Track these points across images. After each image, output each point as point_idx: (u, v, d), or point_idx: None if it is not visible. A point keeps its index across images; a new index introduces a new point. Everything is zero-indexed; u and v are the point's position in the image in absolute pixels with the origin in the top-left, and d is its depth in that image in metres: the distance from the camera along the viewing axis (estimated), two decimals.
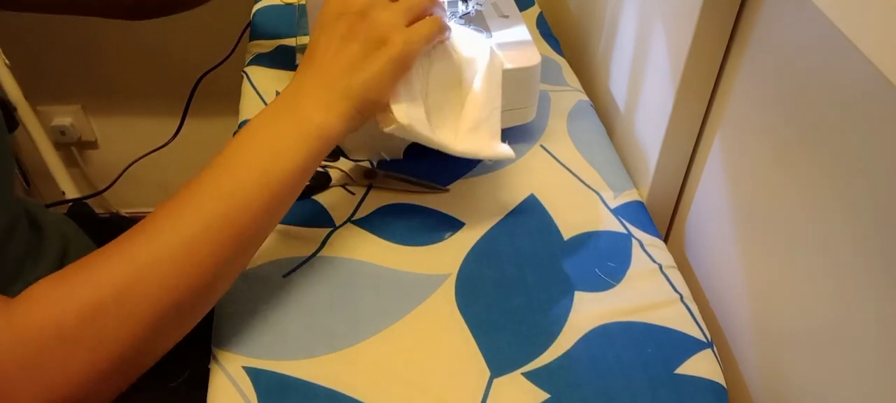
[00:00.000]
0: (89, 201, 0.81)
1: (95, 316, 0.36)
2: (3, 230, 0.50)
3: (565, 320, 0.50)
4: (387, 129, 0.49)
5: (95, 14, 0.70)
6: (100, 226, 0.70)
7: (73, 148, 1.40)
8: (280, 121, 0.44)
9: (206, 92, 0.80)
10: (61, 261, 0.58)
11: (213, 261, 0.41)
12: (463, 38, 0.54)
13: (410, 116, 0.48)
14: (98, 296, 0.37)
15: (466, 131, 0.53)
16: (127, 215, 1.52)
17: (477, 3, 0.64)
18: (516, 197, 0.60)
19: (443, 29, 0.49)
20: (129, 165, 0.88)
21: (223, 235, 0.41)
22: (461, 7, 0.63)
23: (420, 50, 0.47)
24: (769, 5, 0.46)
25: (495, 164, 0.63)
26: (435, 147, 0.51)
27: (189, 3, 0.72)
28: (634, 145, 0.64)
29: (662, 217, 0.64)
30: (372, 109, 0.47)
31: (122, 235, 0.40)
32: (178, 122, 0.82)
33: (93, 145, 1.42)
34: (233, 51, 0.79)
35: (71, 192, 1.38)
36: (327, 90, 0.45)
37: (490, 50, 0.54)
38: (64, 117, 1.34)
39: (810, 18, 0.42)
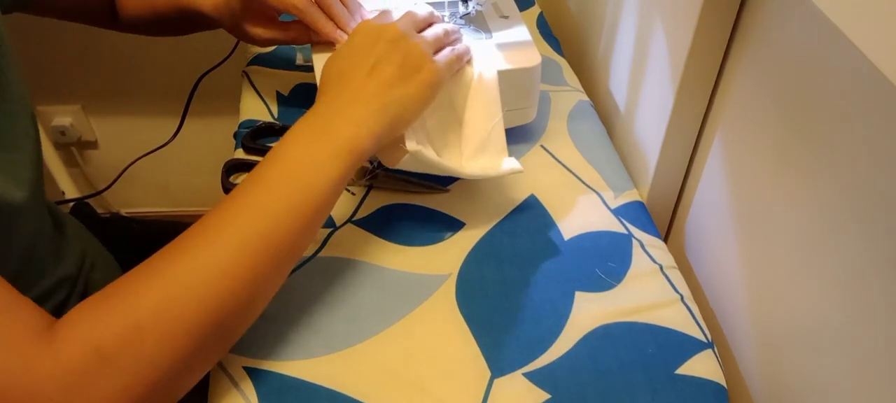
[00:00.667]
0: (89, 201, 0.82)
1: (134, 336, 0.36)
2: (34, 230, 0.50)
3: (566, 320, 0.50)
4: (395, 165, 0.50)
5: (95, 24, 0.71)
6: (101, 226, 0.70)
7: (73, 148, 1.40)
8: (314, 140, 0.45)
9: (206, 92, 0.80)
10: (81, 261, 0.59)
11: (251, 281, 0.41)
12: None
13: (416, 145, 0.50)
14: (136, 318, 0.37)
15: (472, 152, 0.54)
16: (127, 215, 1.52)
17: (477, 4, 0.64)
18: (517, 197, 0.60)
19: (464, 58, 0.54)
20: (129, 165, 0.88)
21: (259, 255, 0.41)
22: (461, 8, 0.63)
23: (448, 77, 0.51)
24: (769, 5, 0.46)
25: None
26: (444, 173, 0.53)
27: (160, 31, 0.73)
28: (634, 145, 0.65)
29: (662, 217, 0.64)
30: (401, 127, 0.49)
31: (158, 254, 0.40)
32: (178, 122, 0.82)
33: (93, 145, 1.42)
34: (233, 51, 0.79)
35: (71, 192, 1.38)
36: (363, 108, 0.46)
37: (479, 65, 0.54)
38: (64, 117, 1.34)
39: (810, 18, 0.42)
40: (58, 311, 0.54)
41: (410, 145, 0.49)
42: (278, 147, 0.45)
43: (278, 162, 0.44)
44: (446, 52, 0.52)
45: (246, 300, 0.41)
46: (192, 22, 0.67)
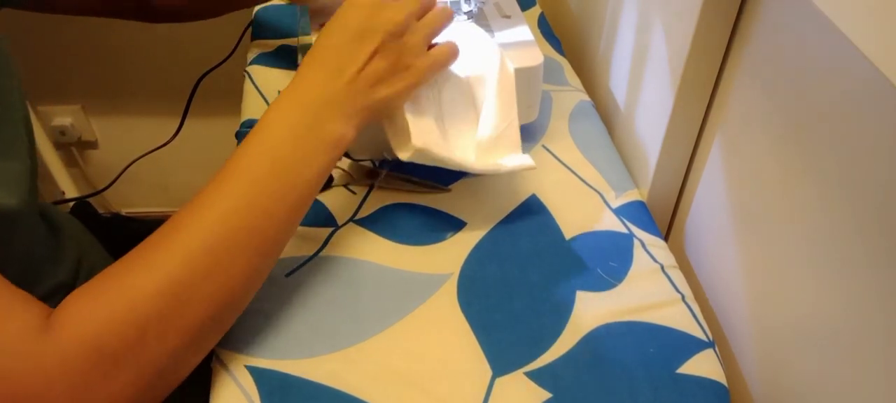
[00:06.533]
0: (89, 201, 0.81)
1: (137, 335, 0.37)
2: (28, 237, 0.50)
3: (567, 320, 0.50)
4: (405, 157, 0.50)
5: (108, 15, 0.70)
6: (102, 226, 0.70)
7: (73, 148, 1.40)
8: (302, 131, 0.45)
9: (207, 92, 0.80)
10: (78, 263, 0.58)
11: (242, 274, 0.42)
12: (471, 52, 0.55)
13: (425, 140, 0.50)
14: (136, 315, 0.37)
15: (485, 148, 0.53)
16: (127, 215, 1.52)
17: (479, 2, 0.64)
18: (518, 197, 0.60)
19: (454, 55, 0.52)
20: (129, 165, 0.88)
21: (251, 246, 0.42)
22: (464, 6, 0.63)
23: (435, 74, 0.51)
24: (769, 5, 0.46)
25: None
26: (455, 167, 0.53)
27: (196, 15, 0.72)
28: (635, 145, 0.65)
29: (663, 216, 0.64)
30: (380, 118, 0.50)
31: (147, 245, 0.40)
32: (178, 122, 0.82)
33: (93, 145, 1.42)
34: (234, 50, 0.79)
35: (71, 192, 1.38)
36: (352, 102, 0.46)
37: (500, 60, 0.54)
38: (64, 117, 1.34)
39: (810, 18, 0.42)
40: None
41: (417, 140, 0.49)
42: (265, 134, 0.44)
43: (267, 156, 0.44)
44: (438, 50, 0.51)
45: (239, 291, 0.42)
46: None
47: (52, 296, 0.54)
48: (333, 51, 0.47)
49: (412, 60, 0.48)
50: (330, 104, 0.46)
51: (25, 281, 0.50)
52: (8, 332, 0.35)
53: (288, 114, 0.45)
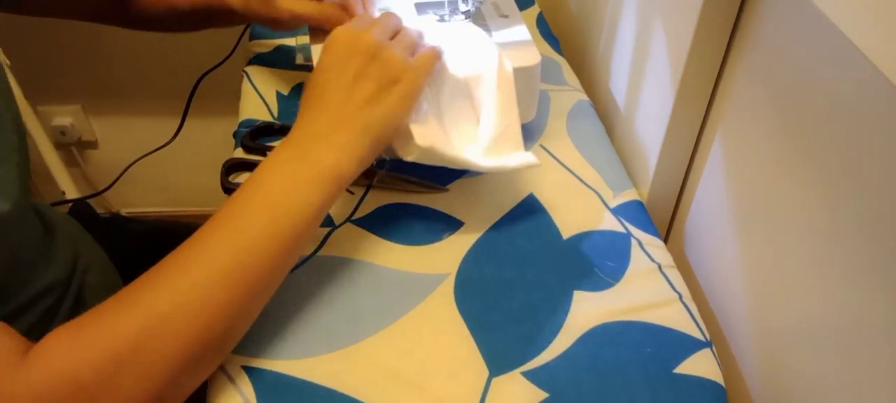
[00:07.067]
0: (89, 201, 0.81)
1: (112, 369, 0.36)
2: (17, 238, 0.50)
3: (564, 319, 0.50)
4: (409, 158, 0.50)
5: (101, 22, 0.71)
6: (102, 226, 0.70)
7: (73, 148, 1.40)
8: (291, 168, 0.44)
9: (206, 92, 0.81)
10: (74, 263, 0.58)
11: (227, 311, 0.40)
12: (469, 52, 0.55)
13: (430, 140, 0.50)
14: (114, 350, 0.36)
15: (488, 146, 0.53)
16: (127, 215, 1.52)
17: (477, 1, 0.64)
18: (515, 196, 0.60)
19: (438, 57, 0.52)
20: (130, 165, 0.88)
21: (239, 287, 0.41)
22: (461, 6, 0.63)
23: (425, 80, 0.50)
24: (769, 5, 0.46)
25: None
26: (459, 166, 0.53)
27: (177, 27, 0.73)
28: (634, 145, 0.64)
29: (662, 217, 0.64)
30: (384, 142, 0.48)
31: (134, 283, 0.40)
32: (178, 122, 0.82)
33: (93, 145, 1.42)
34: (233, 51, 0.79)
35: (71, 192, 1.38)
36: (344, 129, 0.46)
37: (498, 58, 0.54)
38: (64, 117, 1.34)
39: (810, 18, 0.42)
40: (46, 316, 0.54)
41: (420, 140, 0.49)
42: (260, 172, 0.44)
43: (260, 190, 0.43)
44: (422, 51, 0.51)
45: (223, 330, 0.41)
46: (210, 17, 0.66)
47: (44, 296, 0.54)
48: (320, 88, 0.47)
49: (399, 73, 0.48)
50: (318, 137, 0.45)
51: (16, 280, 0.50)
52: None
53: (279, 152, 0.45)
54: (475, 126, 0.55)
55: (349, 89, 0.46)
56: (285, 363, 0.46)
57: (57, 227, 0.58)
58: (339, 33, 0.49)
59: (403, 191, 0.60)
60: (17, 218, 0.48)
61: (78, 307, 0.58)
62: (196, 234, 0.42)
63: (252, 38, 0.80)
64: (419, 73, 0.49)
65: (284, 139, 0.46)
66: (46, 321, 0.53)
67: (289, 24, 0.62)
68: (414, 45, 0.51)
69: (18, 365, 0.35)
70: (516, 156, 0.54)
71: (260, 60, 0.75)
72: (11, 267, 0.49)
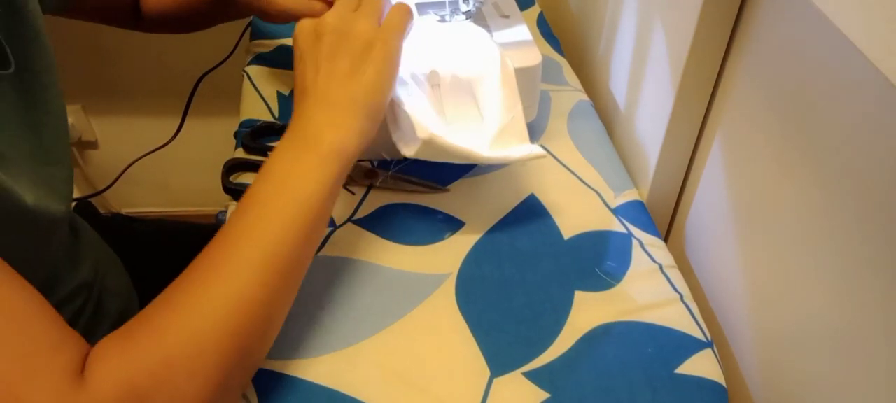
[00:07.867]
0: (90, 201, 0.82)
1: (166, 374, 0.36)
2: (61, 237, 0.50)
3: (565, 319, 0.50)
4: (411, 154, 0.50)
5: (102, 22, 0.71)
6: (104, 226, 0.70)
7: (73, 148, 1.40)
8: (298, 151, 0.45)
9: (207, 92, 0.80)
10: (96, 266, 0.58)
11: (265, 301, 0.41)
12: (470, 52, 0.55)
13: (431, 133, 0.49)
14: (164, 354, 0.37)
15: (493, 138, 0.53)
16: (128, 215, 1.52)
17: (478, 1, 0.64)
18: (516, 196, 0.60)
19: (408, 12, 0.50)
20: (129, 165, 0.88)
21: (268, 275, 0.41)
22: (462, 6, 0.63)
23: (402, 41, 0.49)
24: (769, 5, 0.46)
25: (496, 164, 0.63)
26: (462, 160, 0.52)
27: (183, 27, 0.73)
28: (634, 145, 0.65)
29: (662, 217, 0.64)
30: (379, 112, 0.48)
31: (170, 288, 0.40)
32: (178, 122, 0.82)
33: (93, 145, 1.42)
34: (233, 50, 0.79)
35: None
36: (332, 109, 0.46)
37: (500, 56, 0.54)
38: None
39: (810, 18, 0.42)
40: (75, 317, 0.54)
41: (422, 133, 0.49)
42: (267, 164, 0.45)
43: (268, 179, 0.44)
44: (389, 16, 0.49)
45: (264, 318, 0.41)
46: (217, 13, 0.67)
47: (73, 297, 0.54)
48: (299, 79, 0.48)
49: (370, 40, 0.47)
50: (313, 119, 0.46)
51: (52, 280, 0.50)
52: (43, 389, 0.34)
53: (281, 144, 0.46)
54: (479, 121, 0.55)
55: (325, 71, 0.47)
56: (286, 363, 0.46)
57: (80, 229, 0.58)
58: (301, 24, 0.49)
59: (404, 191, 0.60)
60: (66, 220, 0.48)
61: (99, 310, 0.58)
62: (220, 233, 0.42)
63: (252, 37, 0.80)
64: (390, 34, 0.48)
65: (285, 133, 0.47)
66: (72, 325, 0.54)
67: (277, 18, 0.63)
68: (378, 11, 0.50)
69: (78, 387, 0.35)
70: (522, 148, 0.54)
71: (260, 60, 0.75)
72: (54, 266, 0.50)
